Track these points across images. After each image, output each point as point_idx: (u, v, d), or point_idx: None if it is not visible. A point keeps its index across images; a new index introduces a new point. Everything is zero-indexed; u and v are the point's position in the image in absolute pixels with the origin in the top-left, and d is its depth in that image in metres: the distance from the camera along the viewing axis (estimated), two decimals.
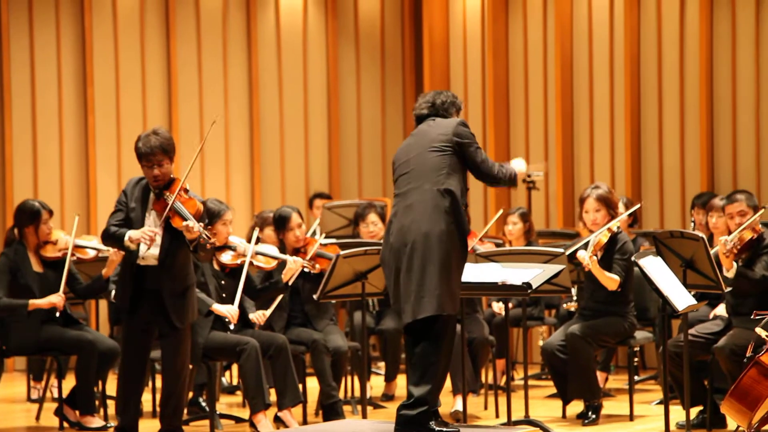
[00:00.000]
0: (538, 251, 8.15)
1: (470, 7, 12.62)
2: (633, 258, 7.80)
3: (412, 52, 13.10)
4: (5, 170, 11.71)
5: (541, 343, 10.34)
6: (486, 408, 9.25)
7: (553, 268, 7.39)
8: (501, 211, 9.84)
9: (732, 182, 11.26)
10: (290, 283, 8.45)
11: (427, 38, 12.65)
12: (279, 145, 12.69)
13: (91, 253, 8.78)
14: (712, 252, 7.68)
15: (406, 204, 6.65)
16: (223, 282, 8.36)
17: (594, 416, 8.34)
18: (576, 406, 8.60)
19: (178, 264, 7.17)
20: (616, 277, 8.23)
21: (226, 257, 8.37)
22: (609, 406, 8.93)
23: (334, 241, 9.27)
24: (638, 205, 9.33)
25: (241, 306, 8.43)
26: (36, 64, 11.82)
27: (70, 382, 8.59)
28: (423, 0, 12.75)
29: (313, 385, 8.82)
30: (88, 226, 11.59)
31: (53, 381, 9.42)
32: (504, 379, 9.31)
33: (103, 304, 10.82)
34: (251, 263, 8.37)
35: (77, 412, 8.38)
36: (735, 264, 7.74)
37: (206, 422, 8.42)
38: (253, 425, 8.11)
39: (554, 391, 8.93)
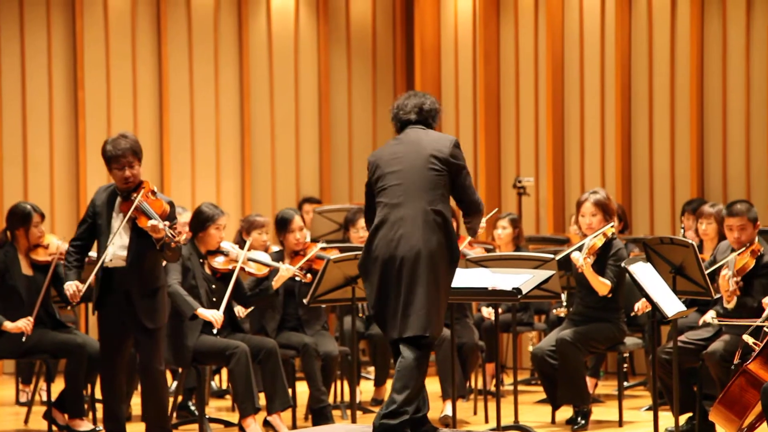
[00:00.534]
0: (528, 257, 8.16)
1: (461, 13, 12.63)
2: (623, 264, 7.81)
3: (404, 57, 13.11)
4: None
5: (530, 348, 10.34)
6: (475, 413, 9.25)
7: (543, 274, 7.39)
8: (496, 210, 9.79)
9: (722, 188, 11.28)
10: (279, 291, 8.45)
11: (419, 43, 12.66)
12: (270, 149, 12.69)
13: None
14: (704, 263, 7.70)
15: (397, 216, 6.51)
16: (213, 286, 8.35)
17: (583, 422, 8.35)
18: (565, 412, 8.61)
19: (147, 265, 7.19)
20: (608, 283, 8.24)
21: (218, 262, 8.37)
22: (598, 412, 8.93)
23: (335, 245, 9.27)
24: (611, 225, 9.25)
25: (230, 311, 8.43)
26: (27, 68, 11.81)
27: (59, 386, 8.58)
28: (414, 5, 12.76)
29: (302, 389, 8.82)
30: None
31: (42, 384, 9.40)
32: (494, 384, 9.31)
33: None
34: (243, 269, 8.37)
35: (66, 416, 8.36)
36: (736, 299, 7.72)
37: (195, 426, 8.42)
38: (242, 429, 8.10)
39: (544, 396, 8.94)
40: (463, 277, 7.30)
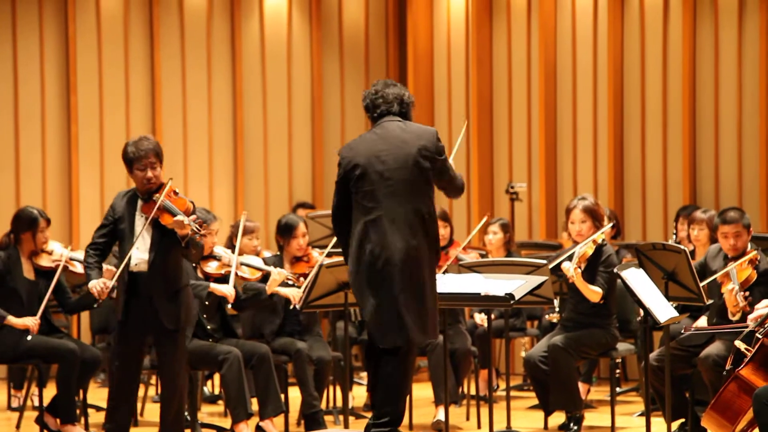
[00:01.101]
0: (521, 262, 8.16)
1: (454, 18, 12.64)
2: (615, 270, 7.81)
3: (397, 63, 13.12)
4: None
5: (523, 354, 10.35)
6: (468, 419, 9.25)
7: (535, 280, 7.40)
8: (485, 219, 9.80)
9: (714, 194, 11.30)
10: (273, 295, 8.45)
11: (412, 48, 12.67)
12: (262, 155, 12.69)
13: (80, 271, 8.71)
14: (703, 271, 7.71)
15: (386, 220, 6.47)
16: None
17: (575, 427, 8.35)
18: (558, 418, 8.61)
19: (169, 266, 7.16)
20: (599, 290, 8.23)
21: (211, 267, 8.37)
22: (590, 418, 8.94)
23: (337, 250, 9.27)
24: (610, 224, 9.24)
25: (223, 317, 8.43)
26: (19, 73, 11.79)
27: (50, 391, 8.57)
28: (407, 10, 12.77)
29: (295, 394, 8.82)
30: (71, 235, 11.56)
31: (34, 389, 9.39)
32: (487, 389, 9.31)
33: (85, 313, 10.78)
34: (236, 274, 8.36)
35: (58, 421, 8.35)
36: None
37: (188, 431, 8.42)
38: None
39: (536, 402, 8.94)
40: (456, 283, 7.30)
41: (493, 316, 9.69)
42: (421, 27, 12.71)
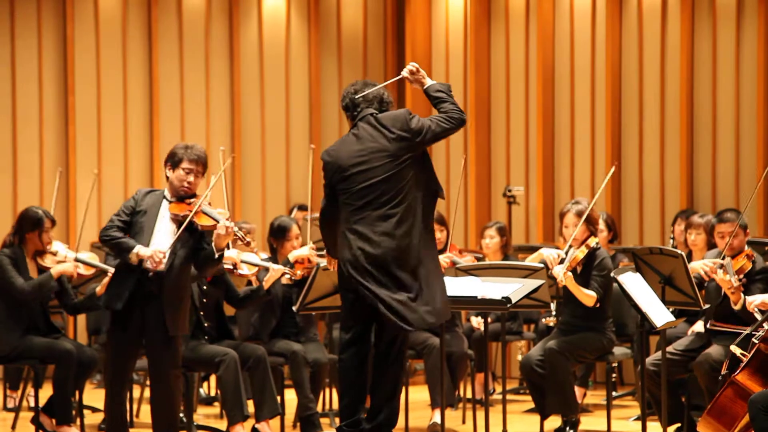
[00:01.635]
0: (518, 266, 8.16)
1: (452, 21, 12.65)
2: (612, 274, 7.81)
3: (394, 65, 13.12)
4: None
5: (519, 357, 10.35)
6: (464, 422, 9.25)
7: (532, 283, 7.40)
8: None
9: (711, 199, 11.30)
10: (271, 291, 8.45)
11: (410, 51, 12.67)
12: (260, 156, 12.69)
13: (88, 272, 8.70)
14: (693, 265, 7.71)
15: (375, 218, 6.49)
16: (204, 287, 8.35)
17: (572, 431, 8.35)
18: (554, 421, 8.61)
19: (184, 272, 7.14)
20: (593, 294, 8.23)
21: None
22: (586, 422, 8.94)
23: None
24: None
25: (220, 319, 8.43)
26: (17, 74, 11.79)
27: (46, 391, 8.56)
28: (406, 13, 12.78)
29: (291, 397, 8.81)
30: (68, 236, 11.55)
31: (30, 390, 9.38)
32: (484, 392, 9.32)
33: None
34: (234, 272, 8.36)
35: (54, 421, 8.34)
36: (742, 296, 7.72)
37: None
38: None
39: (532, 405, 8.94)
40: (453, 286, 7.30)
41: (489, 320, 9.69)
42: (420, 29, 12.72)
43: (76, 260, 8.51)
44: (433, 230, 6.70)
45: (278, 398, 8.32)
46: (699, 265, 7.90)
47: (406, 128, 6.56)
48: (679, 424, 8.06)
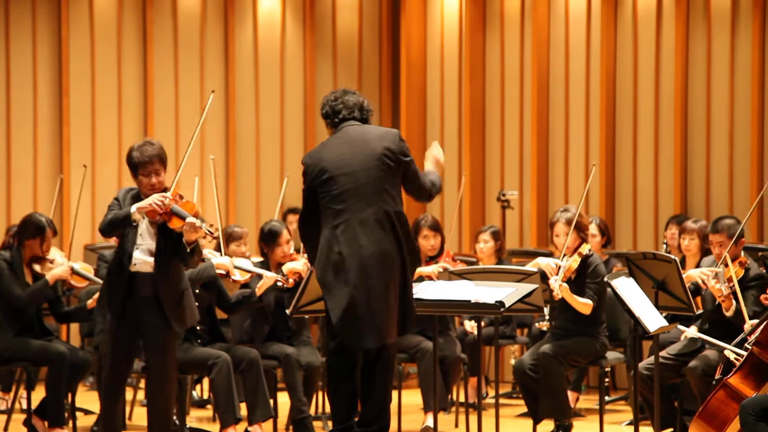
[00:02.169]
0: (512, 270, 8.16)
1: (447, 26, 12.65)
2: (606, 279, 7.82)
3: (389, 69, 13.12)
4: None
5: (512, 362, 10.35)
6: (457, 426, 9.25)
7: (526, 287, 7.40)
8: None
9: (705, 204, 11.31)
10: (263, 298, 8.45)
11: (405, 55, 12.68)
12: (254, 159, 12.68)
13: (80, 284, 8.69)
14: (688, 272, 7.72)
15: (354, 222, 6.46)
16: (197, 291, 8.35)
17: None
18: (546, 426, 8.61)
19: (174, 269, 7.16)
20: (589, 302, 8.23)
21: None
22: (579, 426, 8.94)
23: None
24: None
25: (212, 322, 8.43)
26: (12, 76, 11.78)
27: (39, 393, 8.55)
28: (401, 17, 12.78)
29: (284, 400, 8.81)
30: (61, 240, 11.52)
31: (22, 392, 9.37)
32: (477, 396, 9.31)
33: None
34: (227, 277, 8.36)
35: (46, 424, 8.33)
36: (734, 303, 7.73)
37: None
38: None
39: (525, 410, 8.94)
40: (447, 290, 7.30)
41: (483, 324, 9.69)
42: (415, 34, 12.72)
43: (73, 271, 8.50)
44: (412, 240, 6.67)
45: (271, 401, 8.31)
46: (696, 273, 7.92)
47: (395, 145, 6.55)
48: (671, 429, 8.06)
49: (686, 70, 11.41)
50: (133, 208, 7.04)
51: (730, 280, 7.73)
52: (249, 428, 8.21)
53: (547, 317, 9.36)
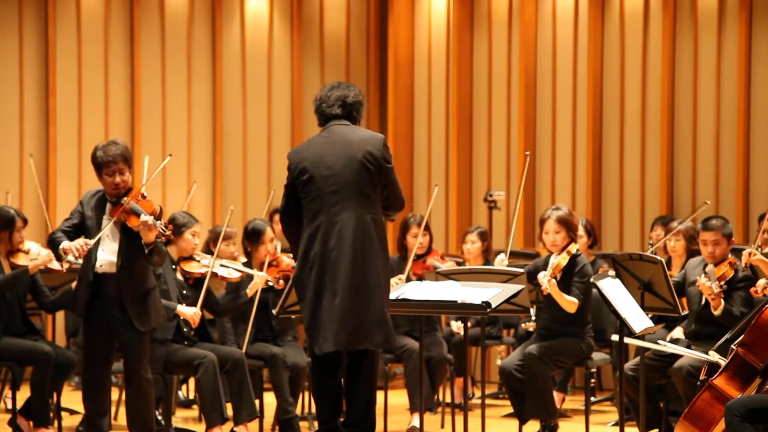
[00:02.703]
0: (498, 270, 8.16)
1: (435, 26, 12.66)
2: (592, 279, 7.82)
3: (377, 69, 13.12)
4: None
5: (499, 362, 10.35)
6: (443, 426, 9.25)
7: (512, 288, 7.40)
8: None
9: (691, 205, 11.33)
10: (255, 298, 8.44)
11: (392, 56, 12.68)
12: (242, 159, 12.67)
13: (61, 267, 8.68)
14: (673, 276, 7.72)
15: (334, 224, 6.45)
16: (185, 291, 8.35)
17: None
18: (532, 426, 8.62)
19: (138, 269, 7.16)
20: (575, 300, 8.25)
21: (192, 267, 8.37)
22: (565, 427, 8.95)
23: None
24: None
25: (199, 323, 8.41)
26: None
27: (24, 393, 8.53)
28: (388, 18, 12.78)
29: (270, 400, 8.80)
30: (47, 236, 11.51)
31: (7, 392, 9.35)
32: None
33: (60, 315, 10.76)
34: (217, 275, 8.36)
35: (31, 423, 8.32)
36: (722, 302, 7.74)
37: None
38: None
39: (511, 410, 8.94)
40: (433, 290, 7.30)
41: (469, 324, 9.70)
42: (402, 34, 12.72)
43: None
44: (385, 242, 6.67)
45: (257, 401, 8.30)
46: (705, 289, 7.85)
47: (378, 150, 6.51)
48: (657, 430, 8.08)
49: (673, 71, 11.43)
50: (60, 246, 7.07)
51: (721, 278, 7.75)
52: (235, 428, 8.20)
53: (533, 318, 9.37)
